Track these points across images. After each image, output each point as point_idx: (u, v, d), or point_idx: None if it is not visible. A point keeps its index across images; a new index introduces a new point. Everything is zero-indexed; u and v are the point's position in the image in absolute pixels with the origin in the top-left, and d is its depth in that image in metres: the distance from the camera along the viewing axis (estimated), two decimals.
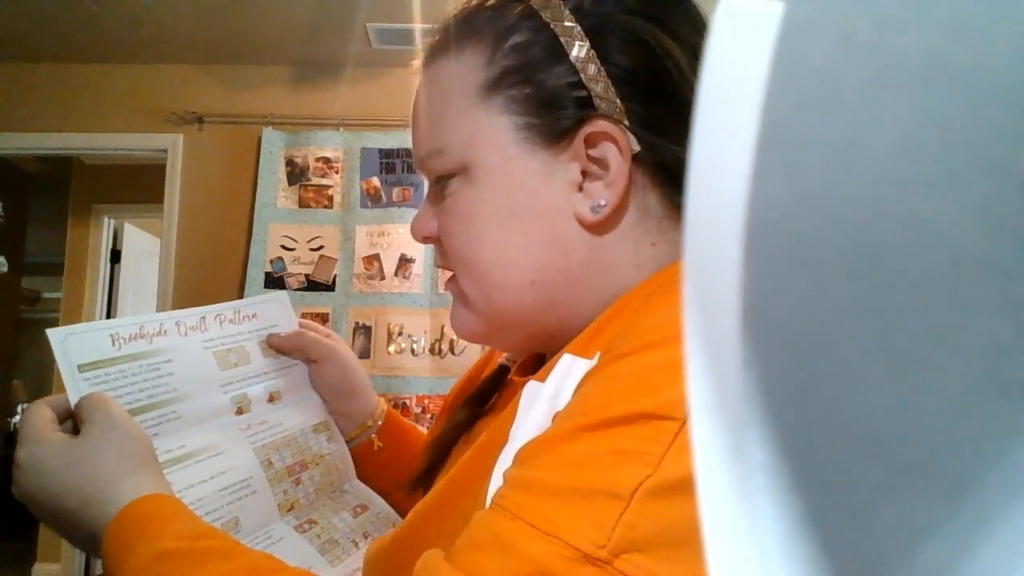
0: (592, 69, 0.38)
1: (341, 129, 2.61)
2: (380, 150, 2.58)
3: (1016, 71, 0.09)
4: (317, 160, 2.58)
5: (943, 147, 0.09)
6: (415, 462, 0.53)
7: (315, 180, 2.58)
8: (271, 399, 0.59)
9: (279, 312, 0.64)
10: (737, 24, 0.11)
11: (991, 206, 0.09)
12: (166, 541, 0.40)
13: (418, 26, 2.28)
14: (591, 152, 0.39)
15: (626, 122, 0.38)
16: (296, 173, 2.58)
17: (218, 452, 0.52)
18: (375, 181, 2.57)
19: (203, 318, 0.58)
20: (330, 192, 2.57)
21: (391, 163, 2.58)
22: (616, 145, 0.38)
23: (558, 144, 0.39)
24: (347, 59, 2.57)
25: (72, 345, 0.49)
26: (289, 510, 0.55)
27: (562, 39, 0.38)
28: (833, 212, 0.10)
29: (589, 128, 0.38)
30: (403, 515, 0.61)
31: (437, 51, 0.43)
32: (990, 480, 0.09)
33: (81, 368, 0.49)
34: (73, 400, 0.48)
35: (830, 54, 0.09)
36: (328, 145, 2.59)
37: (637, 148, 0.38)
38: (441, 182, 0.43)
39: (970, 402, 0.09)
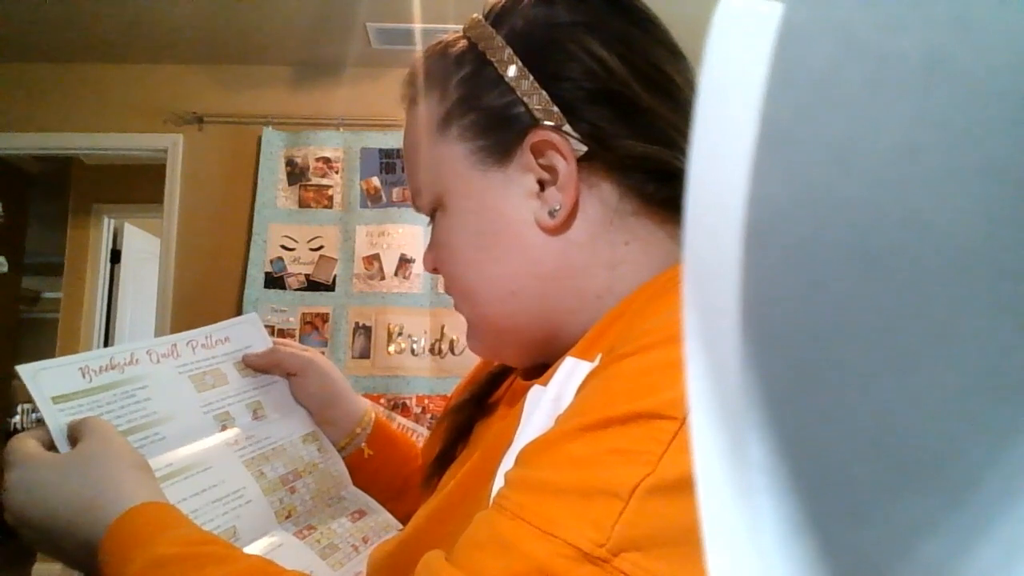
0: (526, 85, 0.40)
1: (341, 129, 2.61)
2: (380, 150, 2.58)
3: (1016, 71, 0.09)
4: (317, 160, 2.58)
5: (943, 147, 0.09)
6: (420, 466, 0.53)
7: (315, 180, 2.57)
8: (255, 416, 0.60)
9: (251, 333, 0.64)
10: (737, 24, 0.11)
11: (991, 206, 0.09)
12: (164, 547, 0.40)
13: (418, 26, 2.29)
14: (540, 161, 0.41)
15: (566, 127, 0.40)
16: (296, 173, 2.58)
17: (207, 467, 0.53)
18: (375, 181, 2.57)
19: (174, 345, 0.58)
20: (330, 192, 2.57)
21: (391, 163, 2.58)
22: (559, 151, 0.40)
23: (508, 159, 0.42)
24: (347, 59, 2.57)
25: (43, 379, 0.50)
26: (287, 517, 0.55)
27: (496, 64, 0.41)
28: (833, 212, 0.10)
29: (532, 139, 0.41)
30: (399, 521, 0.61)
31: (408, 102, 0.47)
32: (989, 479, 0.09)
33: (55, 400, 0.49)
34: (53, 430, 0.48)
35: (830, 54, 0.09)
36: (328, 145, 2.59)
37: (583, 149, 0.40)
38: (431, 218, 0.47)
39: (970, 402, 0.09)
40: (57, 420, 0.48)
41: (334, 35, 2.43)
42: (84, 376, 0.51)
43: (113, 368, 0.53)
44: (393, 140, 2.58)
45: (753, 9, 0.11)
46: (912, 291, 0.09)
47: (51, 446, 0.48)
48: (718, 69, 0.11)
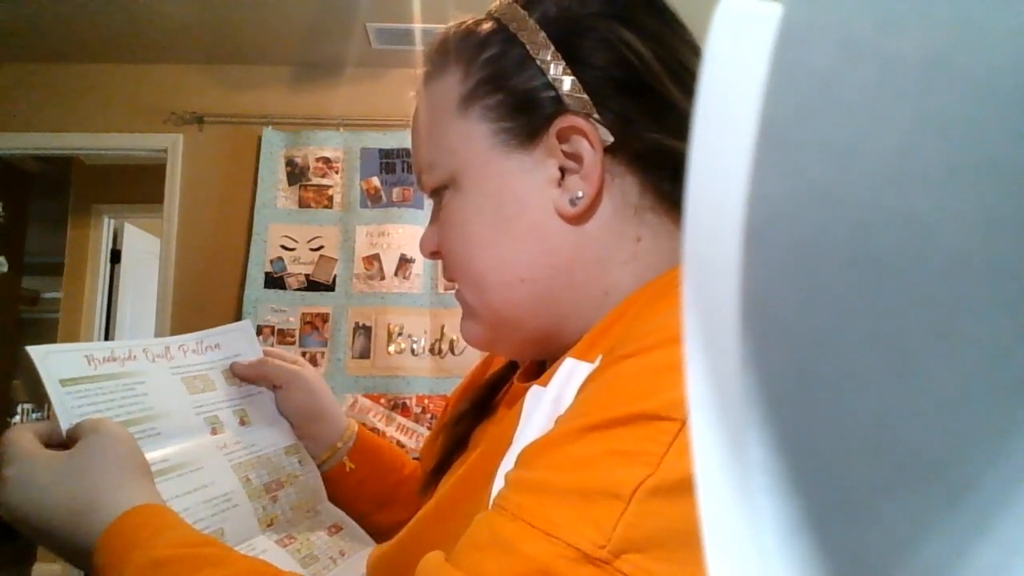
0: (558, 69, 0.40)
1: (341, 129, 2.61)
2: (380, 150, 2.58)
3: (1016, 71, 0.09)
4: (317, 160, 2.58)
5: (943, 147, 0.09)
6: (417, 476, 0.53)
7: (315, 180, 2.57)
8: (242, 423, 0.60)
9: (242, 341, 0.65)
10: (736, 25, 0.11)
11: (991, 206, 0.09)
12: (161, 549, 0.39)
13: (418, 26, 2.28)
14: (565, 148, 0.40)
15: (596, 115, 0.40)
16: (296, 173, 2.58)
17: (199, 467, 0.53)
18: (375, 181, 2.57)
19: (167, 347, 0.59)
20: (330, 192, 2.57)
21: (391, 163, 2.58)
22: (586, 138, 0.40)
23: (533, 143, 0.41)
24: (347, 59, 2.57)
25: (53, 361, 0.50)
26: (269, 525, 0.55)
27: (528, 46, 0.41)
28: (833, 212, 0.10)
29: (559, 124, 0.40)
30: (381, 534, 0.60)
31: (424, 77, 0.46)
32: (989, 479, 0.09)
33: (63, 383, 0.50)
34: (60, 413, 0.48)
35: (829, 55, 0.09)
36: (328, 145, 2.59)
37: (610, 139, 0.40)
38: (437, 196, 0.45)
39: (969, 402, 0.09)
40: (64, 403, 0.49)
41: (334, 35, 2.43)
42: (89, 364, 0.52)
43: (114, 360, 0.54)
44: (393, 140, 2.58)
45: (753, 9, 0.11)
46: (912, 291, 0.09)
47: (48, 439, 0.48)
48: (718, 69, 0.11)
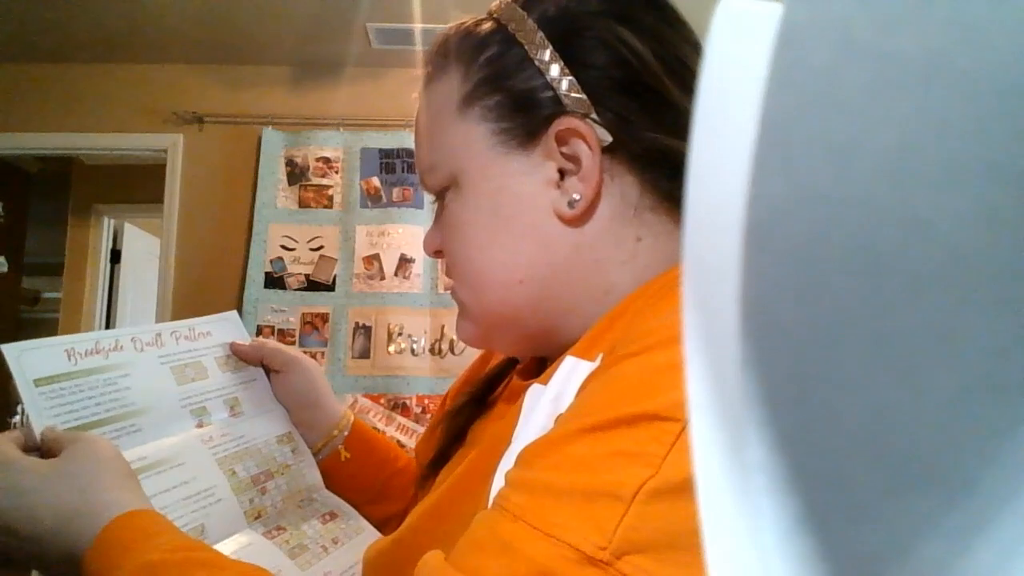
0: (556, 70, 0.40)
1: (341, 129, 2.61)
2: (380, 150, 2.58)
3: (1016, 71, 0.09)
4: (317, 160, 2.58)
5: (943, 147, 0.09)
6: (414, 468, 0.53)
7: (315, 180, 2.57)
8: (232, 412, 0.60)
9: (232, 331, 0.65)
10: (736, 25, 0.11)
11: (991, 206, 0.09)
12: (153, 554, 0.39)
13: (418, 26, 2.28)
14: (563, 149, 0.40)
15: (594, 116, 0.39)
16: (296, 173, 2.58)
17: (179, 463, 0.52)
18: (375, 181, 2.57)
19: (159, 334, 0.58)
20: (330, 192, 2.57)
21: (391, 163, 2.58)
22: (584, 141, 0.39)
23: (532, 144, 0.41)
24: (347, 59, 2.57)
25: (27, 360, 0.49)
26: (256, 518, 0.55)
27: (527, 47, 0.40)
28: (833, 212, 0.10)
29: (558, 126, 0.40)
30: (375, 526, 0.60)
31: (425, 78, 0.46)
32: (988, 479, 0.09)
33: (37, 383, 0.49)
34: (32, 414, 0.48)
35: (829, 54, 0.09)
36: (328, 145, 2.59)
37: (608, 140, 0.40)
38: (440, 197, 0.46)
39: (969, 402, 0.09)
40: (37, 403, 0.48)
41: (334, 35, 2.43)
42: (70, 359, 0.51)
43: (98, 353, 0.53)
44: (393, 140, 2.58)
45: (753, 9, 0.11)
46: (912, 291, 0.09)
47: (25, 445, 0.47)
48: (718, 69, 0.11)
